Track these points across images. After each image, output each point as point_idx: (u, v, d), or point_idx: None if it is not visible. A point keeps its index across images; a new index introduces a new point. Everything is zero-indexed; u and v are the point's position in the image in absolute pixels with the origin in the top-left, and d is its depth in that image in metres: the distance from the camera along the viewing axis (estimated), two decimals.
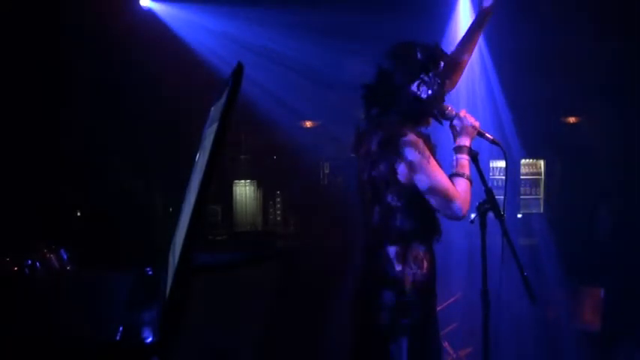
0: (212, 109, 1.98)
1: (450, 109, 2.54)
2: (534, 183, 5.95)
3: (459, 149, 2.50)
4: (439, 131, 2.59)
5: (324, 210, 5.79)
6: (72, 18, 4.91)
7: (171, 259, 1.95)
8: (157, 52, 5.23)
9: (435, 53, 2.51)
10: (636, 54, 5.09)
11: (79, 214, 5.40)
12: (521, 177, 5.92)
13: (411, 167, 2.35)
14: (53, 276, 2.46)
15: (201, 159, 1.73)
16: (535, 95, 5.36)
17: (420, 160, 2.34)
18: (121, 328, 1.68)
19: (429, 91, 2.47)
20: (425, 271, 2.40)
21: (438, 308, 2.55)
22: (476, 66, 5.20)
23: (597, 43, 5.21)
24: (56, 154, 5.01)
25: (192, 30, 5.54)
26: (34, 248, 2.52)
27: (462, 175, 2.44)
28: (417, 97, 2.47)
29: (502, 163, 5.44)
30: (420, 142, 2.37)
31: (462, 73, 2.79)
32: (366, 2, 5.11)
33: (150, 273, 2.31)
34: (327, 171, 6.32)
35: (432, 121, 2.57)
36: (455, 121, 2.52)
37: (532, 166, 5.97)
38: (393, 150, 2.37)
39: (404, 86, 2.46)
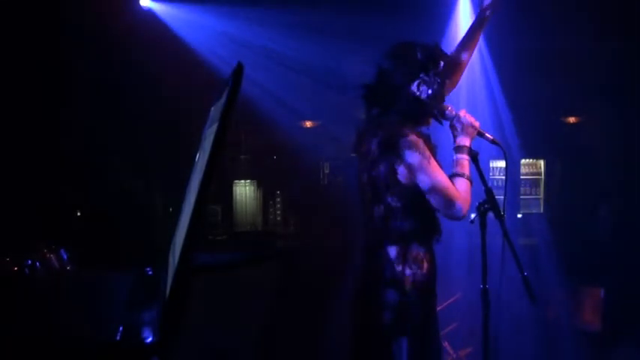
0: (212, 109, 1.98)
1: (450, 109, 2.53)
2: (534, 183, 5.95)
3: (459, 149, 2.50)
4: (439, 131, 2.59)
5: (324, 210, 5.79)
6: (72, 18, 4.91)
7: (171, 259, 1.95)
8: (157, 52, 5.23)
9: (434, 53, 2.51)
10: (636, 54, 5.09)
11: (79, 214, 5.40)
12: (521, 177, 5.92)
13: (411, 167, 2.35)
14: (53, 276, 2.46)
15: (201, 159, 1.73)
16: (535, 95, 5.36)
17: (421, 161, 2.34)
18: (121, 328, 1.68)
19: (429, 91, 2.47)
20: (425, 271, 2.40)
21: (438, 308, 2.55)
22: (476, 66, 5.20)
23: (597, 43, 5.21)
24: (56, 154, 5.01)
25: (192, 30, 5.54)
26: (34, 248, 2.52)
27: (462, 175, 2.44)
28: (417, 97, 2.47)
29: (502, 163, 5.44)
30: (421, 142, 2.37)
31: (462, 74, 2.79)
32: (366, 2, 5.11)
33: (150, 273, 2.31)
34: (327, 171, 6.32)
35: (432, 121, 2.57)
36: (455, 121, 2.52)
37: (532, 166, 5.97)
38: (393, 150, 2.37)
39: (404, 86, 2.46)
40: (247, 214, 6.33)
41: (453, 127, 2.54)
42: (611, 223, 5.30)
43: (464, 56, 2.75)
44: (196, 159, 1.96)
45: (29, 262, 2.41)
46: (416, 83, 2.47)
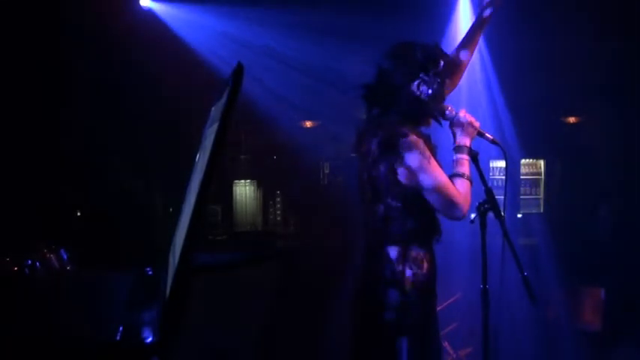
0: (212, 109, 1.98)
1: (450, 109, 2.53)
2: (534, 183, 5.95)
3: (458, 149, 2.50)
4: (439, 131, 2.59)
5: (324, 210, 5.79)
6: (72, 18, 4.91)
7: (171, 259, 1.95)
8: (157, 52, 5.23)
9: (434, 53, 2.51)
10: (636, 54, 5.09)
11: (79, 214, 5.40)
12: (521, 177, 5.92)
13: (411, 167, 2.35)
14: (53, 276, 2.46)
15: (202, 159, 1.73)
16: (535, 95, 5.36)
17: (421, 161, 2.34)
18: (121, 328, 1.68)
19: (429, 91, 2.47)
20: (425, 271, 2.40)
21: (438, 308, 2.55)
22: (476, 66, 5.20)
23: (597, 43, 5.21)
24: (56, 154, 5.01)
25: (192, 30, 5.54)
26: (34, 248, 2.52)
27: (462, 175, 2.44)
28: (417, 97, 2.47)
29: (502, 163, 5.43)
30: (421, 143, 2.37)
31: (462, 74, 2.79)
32: (366, 2, 5.11)
33: (150, 273, 2.31)
34: (327, 171, 6.32)
35: (432, 121, 2.56)
36: (455, 121, 2.52)
37: (532, 166, 5.97)
38: (393, 150, 2.37)
39: (404, 86, 2.46)
40: (247, 214, 6.33)
41: (452, 127, 2.54)
42: (611, 223, 5.30)
43: (464, 56, 2.75)
44: (196, 159, 1.96)
45: (29, 262, 2.41)
46: (416, 83, 2.47)
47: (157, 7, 5.44)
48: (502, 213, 2.46)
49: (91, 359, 1.62)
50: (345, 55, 5.27)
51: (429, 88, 2.47)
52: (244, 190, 6.32)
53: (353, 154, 2.62)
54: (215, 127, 1.62)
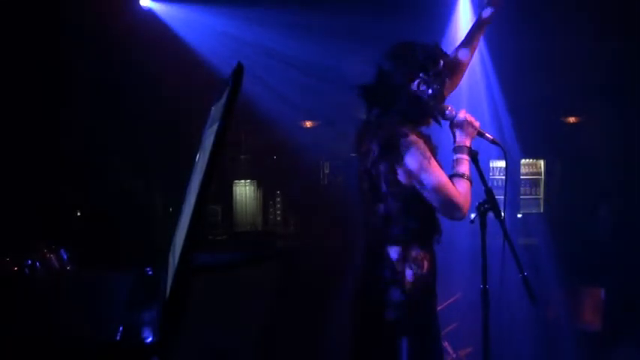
0: (212, 109, 1.98)
1: (449, 109, 2.53)
2: (534, 183, 5.95)
3: (458, 149, 2.50)
4: (440, 132, 2.59)
5: (324, 210, 5.79)
6: (72, 18, 4.91)
7: (171, 259, 1.95)
8: (157, 52, 5.23)
9: (434, 53, 2.51)
10: (636, 54, 5.08)
11: (79, 214, 5.40)
12: (521, 177, 5.91)
13: (411, 167, 2.35)
14: (53, 276, 2.46)
15: (202, 159, 1.73)
16: (535, 95, 5.36)
17: (421, 161, 2.34)
18: (121, 328, 1.68)
19: (429, 91, 2.47)
20: (425, 271, 2.40)
21: (438, 308, 2.55)
22: (476, 66, 5.19)
23: (597, 43, 5.21)
24: (56, 154, 5.00)
25: (192, 30, 5.54)
26: (34, 248, 2.52)
27: (461, 176, 2.44)
28: (417, 97, 2.47)
29: (502, 163, 5.43)
30: (421, 143, 2.37)
31: (463, 74, 2.79)
32: (366, 2, 5.11)
33: (150, 273, 2.31)
34: (327, 171, 6.32)
35: (432, 121, 2.56)
36: (455, 121, 2.52)
37: (532, 166, 5.96)
38: (393, 150, 2.37)
39: (404, 86, 2.46)
40: (247, 214, 6.32)
41: (452, 127, 2.54)
42: (611, 223, 5.30)
43: (463, 56, 2.76)
44: (196, 159, 1.96)
45: (29, 262, 2.41)
46: (416, 83, 2.47)
47: (157, 7, 5.44)
48: (502, 213, 2.46)
49: (91, 359, 1.62)
50: (345, 55, 5.26)
51: (429, 88, 2.47)
52: (244, 190, 6.32)
53: (353, 154, 2.62)
54: (215, 127, 1.62)
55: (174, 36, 5.47)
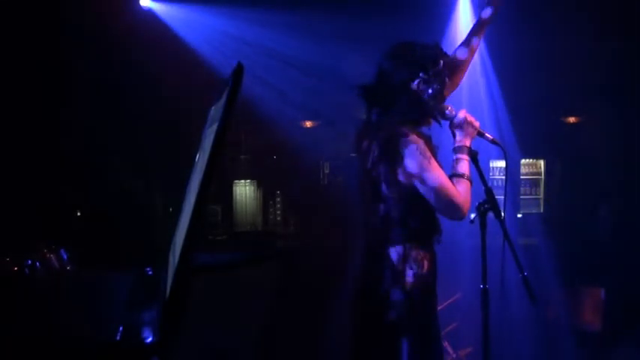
0: (212, 109, 1.98)
1: (449, 109, 2.53)
2: (534, 183, 5.95)
3: (458, 149, 2.50)
4: (440, 132, 2.59)
5: (324, 210, 5.79)
6: (72, 18, 4.91)
7: (171, 259, 1.95)
8: (157, 52, 5.23)
9: (434, 53, 2.51)
10: (636, 54, 5.09)
11: (79, 214, 5.40)
12: (521, 177, 5.92)
13: (412, 168, 2.35)
14: (53, 276, 2.46)
15: (201, 159, 1.73)
16: (535, 95, 5.36)
17: (421, 161, 2.34)
18: (121, 328, 1.68)
19: (429, 91, 2.47)
20: (426, 271, 2.40)
21: (438, 308, 2.55)
22: (476, 66, 5.20)
23: (597, 43, 5.21)
24: (56, 154, 5.01)
25: (192, 30, 5.54)
26: (34, 248, 2.52)
27: (461, 176, 2.44)
28: (417, 97, 2.46)
29: (502, 163, 5.44)
30: (421, 143, 2.37)
31: (463, 75, 2.79)
32: (366, 2, 5.11)
33: (150, 273, 2.31)
34: (327, 171, 6.32)
35: (432, 121, 2.56)
36: (455, 121, 2.52)
37: (532, 166, 5.97)
38: (393, 150, 2.36)
39: (404, 86, 2.46)
40: (247, 214, 6.33)
41: (452, 127, 2.54)
42: (611, 223, 5.30)
43: (462, 55, 2.75)
44: (196, 159, 1.96)
45: (29, 262, 2.41)
46: (416, 83, 2.47)
47: (157, 7, 5.44)
48: (502, 213, 2.46)
49: (91, 359, 1.62)
50: (345, 55, 5.26)
51: (429, 88, 2.47)
52: (244, 190, 6.33)
53: (353, 154, 2.62)
54: (215, 127, 1.62)
55: (174, 36, 5.47)
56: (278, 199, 6.34)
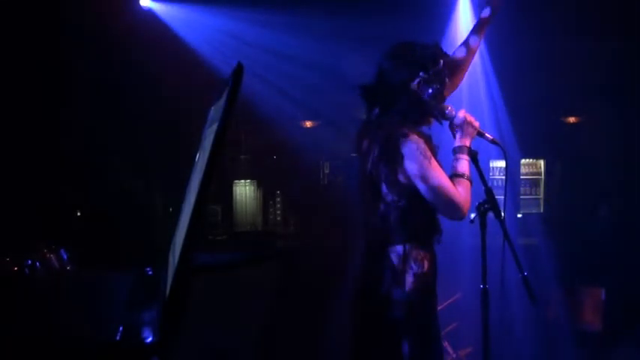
0: (212, 109, 1.98)
1: (449, 108, 2.53)
2: (534, 183, 5.96)
3: (458, 149, 2.49)
4: (440, 132, 2.59)
5: (324, 210, 5.79)
6: (72, 18, 4.91)
7: (171, 259, 1.95)
8: (157, 52, 5.24)
9: (434, 52, 2.51)
10: (636, 54, 5.09)
11: (79, 214, 5.40)
12: (521, 177, 5.92)
13: (412, 167, 2.35)
14: (53, 276, 2.46)
15: (201, 159, 1.73)
16: (535, 95, 5.37)
17: (421, 161, 2.34)
18: (121, 328, 1.68)
19: (430, 90, 2.47)
20: (426, 270, 2.40)
21: (438, 308, 2.55)
22: (476, 66, 5.20)
23: (597, 43, 5.21)
24: (56, 154, 5.01)
25: (192, 30, 5.54)
26: (34, 248, 2.52)
27: (461, 176, 2.44)
28: (417, 97, 2.46)
29: (502, 163, 5.44)
30: (421, 143, 2.37)
31: (463, 75, 2.79)
32: (366, 2, 5.11)
33: (150, 273, 2.31)
34: (327, 171, 6.32)
35: (433, 121, 2.56)
36: (455, 121, 2.52)
37: (532, 166, 5.97)
38: (393, 150, 2.36)
39: (404, 85, 2.46)
40: (247, 214, 6.33)
41: (452, 127, 2.54)
42: (611, 223, 5.30)
43: (465, 57, 2.76)
44: (196, 159, 1.96)
45: (29, 262, 2.41)
46: (416, 82, 2.46)
47: (157, 7, 5.44)
48: (502, 213, 2.46)
49: (91, 359, 1.62)
50: (345, 55, 5.27)
51: (429, 88, 2.47)
52: (244, 190, 6.33)
53: (353, 154, 2.62)
54: (215, 127, 1.62)
55: (174, 36, 5.47)
56: (278, 199, 6.35)
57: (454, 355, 4.46)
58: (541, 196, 5.93)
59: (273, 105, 5.68)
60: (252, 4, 5.29)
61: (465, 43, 2.78)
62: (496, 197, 2.48)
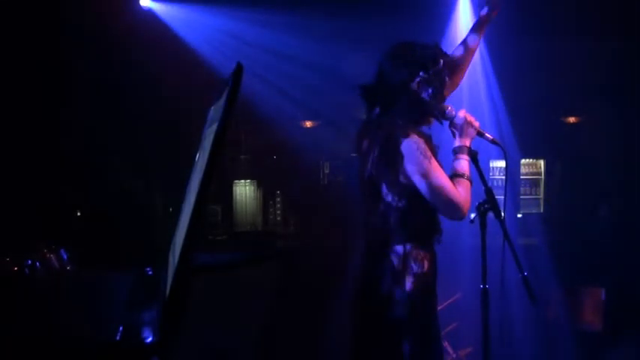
0: (212, 109, 1.99)
1: (449, 108, 2.53)
2: (534, 183, 5.96)
3: (458, 149, 2.49)
4: (441, 132, 2.59)
5: (324, 210, 5.79)
6: (72, 18, 4.91)
7: (171, 259, 1.95)
8: (157, 52, 5.24)
9: (434, 52, 2.51)
10: (636, 54, 5.09)
11: (79, 214, 5.40)
12: (521, 177, 5.93)
13: (412, 167, 2.35)
14: (53, 276, 2.46)
15: (201, 159, 1.73)
16: (535, 95, 5.37)
17: (421, 161, 2.34)
18: (121, 328, 1.68)
19: (430, 90, 2.47)
20: (426, 270, 2.40)
21: (438, 308, 2.55)
22: (476, 66, 5.20)
23: (597, 43, 5.21)
24: (56, 154, 5.01)
25: (192, 30, 5.55)
26: (34, 248, 2.52)
27: (462, 176, 2.44)
28: (417, 97, 2.46)
29: (502, 163, 5.44)
30: (421, 143, 2.37)
31: (463, 75, 2.79)
32: (366, 2, 5.11)
33: (150, 273, 2.31)
34: (327, 171, 6.32)
35: (433, 121, 2.56)
36: (455, 121, 2.52)
37: (532, 166, 5.97)
38: (393, 150, 2.36)
39: (404, 85, 2.46)
40: (247, 214, 6.33)
41: (452, 127, 2.54)
42: (611, 223, 5.30)
43: (465, 56, 2.75)
44: (196, 159, 1.96)
45: (29, 262, 2.41)
46: (416, 82, 2.46)
47: (157, 7, 5.44)
48: (502, 213, 2.45)
49: (91, 359, 1.62)
50: (345, 55, 5.27)
51: (429, 88, 2.47)
52: (244, 190, 6.33)
53: (353, 154, 2.61)
54: (215, 127, 1.62)
55: (174, 36, 5.47)
56: (278, 199, 6.35)
57: (454, 355, 4.46)
58: (541, 196, 5.93)
59: (273, 105, 5.68)
60: (252, 4, 5.29)
61: (464, 42, 2.78)
62: (496, 197, 2.48)
